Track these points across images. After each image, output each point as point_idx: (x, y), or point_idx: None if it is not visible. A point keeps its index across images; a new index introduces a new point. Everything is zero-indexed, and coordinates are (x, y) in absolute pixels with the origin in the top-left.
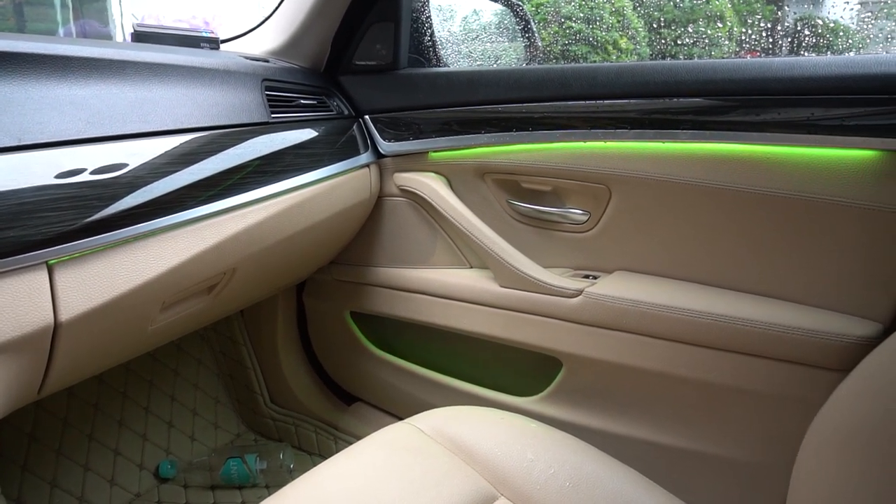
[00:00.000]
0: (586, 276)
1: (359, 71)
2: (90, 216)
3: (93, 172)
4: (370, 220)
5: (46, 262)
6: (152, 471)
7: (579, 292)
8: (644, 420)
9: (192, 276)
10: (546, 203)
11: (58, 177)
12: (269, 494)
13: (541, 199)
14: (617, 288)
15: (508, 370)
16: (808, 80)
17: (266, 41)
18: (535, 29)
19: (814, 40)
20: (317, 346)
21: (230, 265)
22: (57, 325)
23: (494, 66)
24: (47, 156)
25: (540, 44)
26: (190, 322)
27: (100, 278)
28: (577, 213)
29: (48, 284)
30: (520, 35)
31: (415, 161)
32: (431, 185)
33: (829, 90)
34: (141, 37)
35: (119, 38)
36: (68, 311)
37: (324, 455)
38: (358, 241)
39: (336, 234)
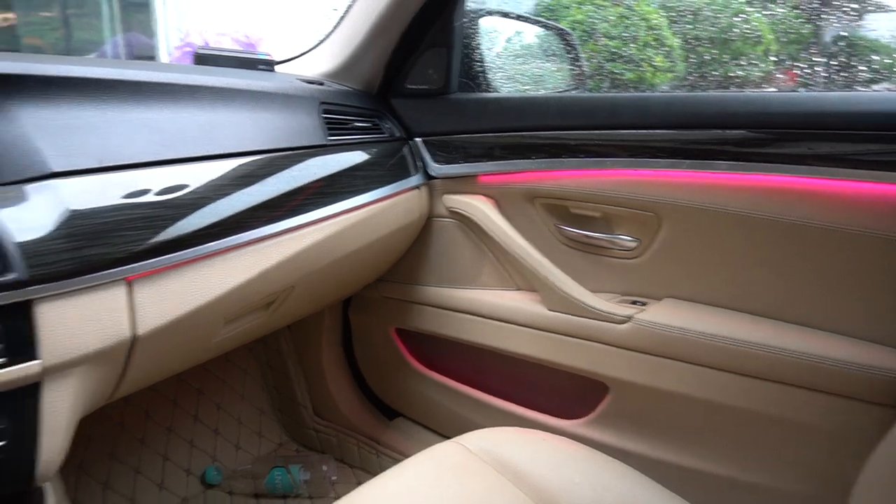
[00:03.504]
0: (634, 303)
1: (410, 94)
2: (165, 235)
3: (167, 193)
4: (418, 240)
5: (125, 279)
6: (199, 476)
7: (628, 318)
8: (690, 448)
9: (255, 293)
10: (595, 229)
11: (135, 197)
12: None
13: (589, 225)
14: (666, 315)
15: (553, 392)
16: (866, 115)
17: (320, 64)
18: (582, 55)
19: (854, 61)
20: (361, 360)
21: (290, 283)
22: (134, 338)
23: (545, 92)
24: (126, 177)
25: (587, 69)
26: (246, 335)
27: (174, 295)
28: (626, 240)
29: (127, 300)
30: (565, 60)
31: (464, 184)
32: (481, 208)
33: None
34: (203, 59)
35: (162, 48)
36: (145, 326)
37: (365, 468)
38: (406, 259)
39: (386, 253)
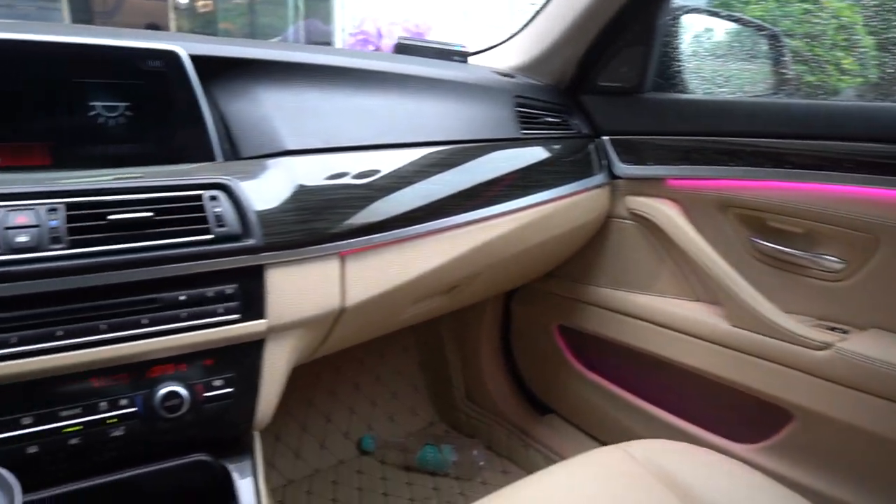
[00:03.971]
0: (832, 329)
1: (601, 92)
2: (373, 216)
3: (377, 176)
4: (595, 239)
5: (339, 254)
6: (355, 442)
7: (827, 345)
8: (880, 494)
9: (446, 277)
10: (794, 245)
11: (351, 178)
12: (460, 487)
13: (788, 241)
14: (873, 347)
15: (724, 411)
16: None
17: (512, 57)
18: (789, 58)
19: None
20: (518, 353)
21: (476, 270)
22: (342, 309)
23: (747, 96)
24: (345, 159)
25: (792, 74)
26: (423, 316)
27: (378, 271)
28: (830, 261)
29: (339, 273)
30: (768, 62)
31: (650, 186)
32: (666, 212)
33: None
34: (402, 48)
35: (338, 35)
36: (352, 298)
37: (513, 459)
38: (579, 257)
39: (561, 249)
